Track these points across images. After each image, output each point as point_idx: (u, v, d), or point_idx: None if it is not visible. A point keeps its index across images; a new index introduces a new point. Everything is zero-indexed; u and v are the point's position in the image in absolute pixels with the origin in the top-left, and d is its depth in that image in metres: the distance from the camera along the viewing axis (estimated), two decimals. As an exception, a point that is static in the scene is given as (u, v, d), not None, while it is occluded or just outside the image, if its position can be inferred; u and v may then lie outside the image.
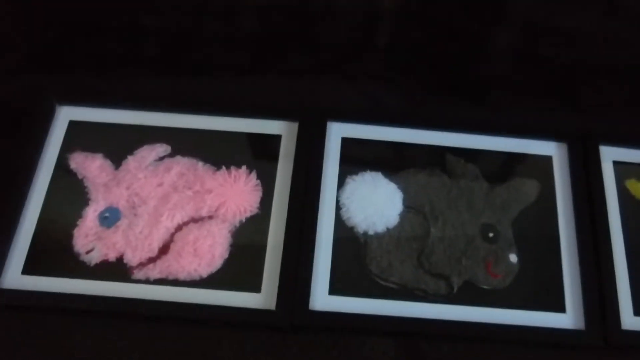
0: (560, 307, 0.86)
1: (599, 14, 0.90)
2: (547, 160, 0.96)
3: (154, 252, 0.88)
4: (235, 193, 0.91)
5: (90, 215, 0.90)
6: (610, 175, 0.94)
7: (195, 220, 0.90)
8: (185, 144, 0.95)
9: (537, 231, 0.91)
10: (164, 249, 0.88)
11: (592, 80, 0.98)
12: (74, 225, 0.89)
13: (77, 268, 0.87)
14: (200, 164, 0.93)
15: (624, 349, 0.85)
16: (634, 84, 0.97)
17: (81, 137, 0.95)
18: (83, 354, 0.82)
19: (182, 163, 0.93)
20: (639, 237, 0.91)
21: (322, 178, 0.91)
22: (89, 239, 0.88)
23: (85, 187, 0.92)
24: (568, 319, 0.86)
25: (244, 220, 0.90)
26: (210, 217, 0.90)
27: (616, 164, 0.95)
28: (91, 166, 0.93)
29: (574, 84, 0.99)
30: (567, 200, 0.93)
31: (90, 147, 0.94)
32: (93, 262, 0.87)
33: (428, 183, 0.93)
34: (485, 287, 0.87)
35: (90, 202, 0.91)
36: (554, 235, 0.90)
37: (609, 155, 0.96)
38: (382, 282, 0.87)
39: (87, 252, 0.88)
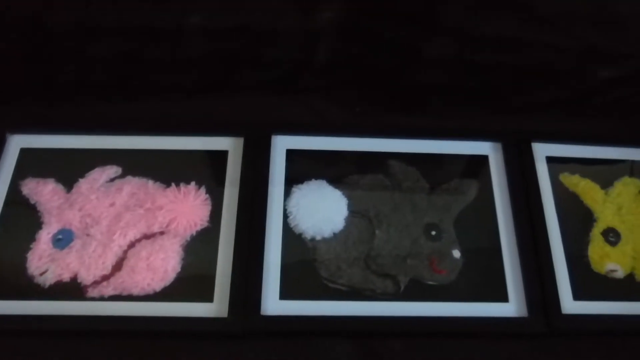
0: (503, 297, 0.90)
1: (520, 21, 0.95)
2: (483, 160, 1.00)
3: (107, 269, 0.90)
4: (185, 208, 0.94)
5: (44, 238, 0.92)
6: (544, 171, 0.99)
7: (147, 236, 0.92)
8: (135, 164, 0.97)
9: (478, 227, 0.95)
10: (118, 266, 0.90)
11: (520, 82, 1.03)
12: (27, 248, 0.91)
13: (31, 290, 0.88)
14: (151, 182, 0.96)
15: (566, 333, 0.88)
16: (558, 83, 1.03)
17: (33, 163, 0.97)
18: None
19: (132, 183, 0.96)
20: (575, 227, 0.95)
21: (269, 188, 0.94)
22: (43, 261, 0.90)
23: (38, 212, 0.94)
24: (511, 307, 0.89)
25: (194, 233, 0.93)
26: (162, 233, 0.93)
27: (549, 159, 1.00)
28: (43, 191, 0.95)
29: (504, 87, 1.04)
30: (504, 196, 0.97)
31: (42, 173, 0.96)
32: (47, 283, 0.89)
33: (372, 188, 0.97)
34: (431, 283, 0.90)
35: (43, 226, 0.93)
36: (494, 230, 0.94)
37: (542, 151, 1.00)
38: (331, 285, 0.89)
39: (41, 274, 0.89)
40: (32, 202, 0.94)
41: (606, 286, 0.92)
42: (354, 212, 0.95)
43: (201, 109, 1.03)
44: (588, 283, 0.91)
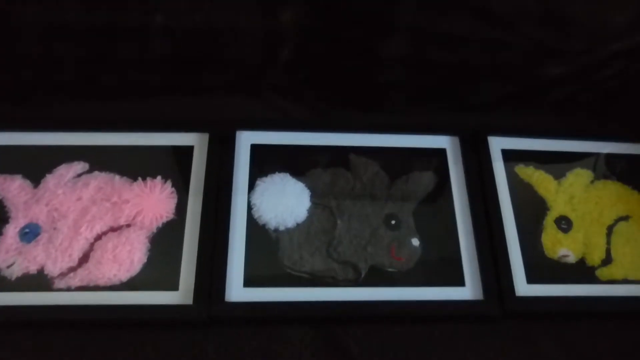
0: (460, 282, 0.93)
1: (473, 19, 0.99)
2: (441, 153, 1.04)
3: (74, 261, 0.91)
4: (151, 201, 0.96)
5: (11, 232, 0.93)
6: (500, 163, 1.03)
7: (114, 229, 0.94)
8: (102, 160, 0.99)
9: (436, 217, 0.99)
10: (84, 258, 0.92)
11: (475, 79, 1.07)
12: (-6, 243, 0.92)
13: (-2, 282, 0.89)
14: (117, 177, 0.98)
15: (521, 315, 0.91)
16: (511, 80, 1.07)
17: (0, 160, 0.99)
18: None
19: (99, 178, 0.98)
20: (529, 215, 0.99)
21: (233, 181, 0.97)
22: (10, 254, 0.91)
23: (5, 207, 0.95)
24: (468, 291, 0.92)
25: (160, 225, 0.95)
26: (128, 226, 0.94)
27: (505, 152, 1.04)
28: (10, 187, 0.96)
29: (460, 84, 1.08)
30: (462, 187, 1.00)
31: (9, 169, 0.98)
32: (14, 276, 0.90)
33: (333, 181, 1.00)
34: (390, 269, 0.93)
35: (10, 220, 0.94)
36: (452, 220, 0.98)
37: (498, 144, 1.04)
38: (294, 273, 0.92)
39: (8, 267, 0.90)
40: (0, 197, 0.96)
41: (558, 271, 0.95)
42: (316, 203, 0.98)
43: (167, 106, 1.06)
44: (541, 268, 0.95)
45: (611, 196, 1.02)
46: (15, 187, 0.96)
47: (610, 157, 1.06)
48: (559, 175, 1.03)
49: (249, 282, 0.90)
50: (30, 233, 0.93)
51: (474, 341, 0.90)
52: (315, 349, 0.88)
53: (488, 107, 1.10)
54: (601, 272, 0.96)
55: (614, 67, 1.05)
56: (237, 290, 0.89)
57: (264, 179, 0.99)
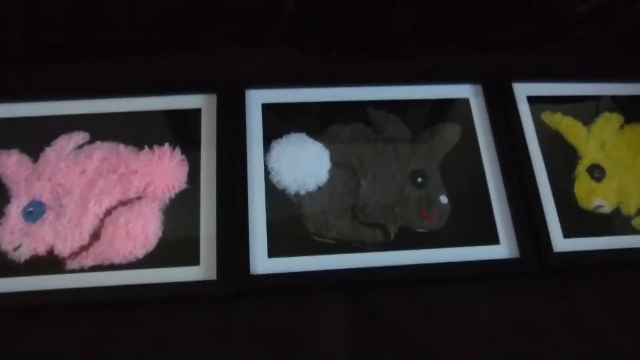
0: (494, 240, 0.89)
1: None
2: (465, 103, 0.98)
3: (85, 240, 0.86)
4: (161, 171, 0.90)
5: (14, 212, 0.87)
6: (526, 110, 0.98)
7: (124, 203, 0.88)
8: (103, 129, 0.93)
9: (463, 171, 0.94)
10: (96, 236, 0.86)
11: (496, 19, 1.00)
12: (-3, 224, 0.86)
13: (6, 266, 0.84)
14: (122, 146, 0.92)
15: (559, 271, 0.88)
16: (538, 19, 1.00)
17: (-7, 134, 0.92)
18: (26, 351, 0.80)
19: (103, 148, 0.92)
20: (560, 165, 0.94)
21: (247, 145, 0.91)
22: (15, 235, 0.86)
23: (5, 185, 0.89)
24: (503, 249, 0.88)
25: (173, 196, 0.89)
26: (139, 198, 0.89)
27: (531, 99, 0.99)
28: (7, 162, 0.90)
29: (480, 25, 1.01)
30: (488, 138, 0.95)
31: (4, 143, 0.91)
32: (23, 259, 0.85)
33: (353, 138, 0.94)
34: (420, 230, 0.89)
35: (12, 199, 0.88)
36: (480, 173, 0.93)
37: (523, 91, 0.99)
38: (319, 239, 0.87)
39: (15, 249, 0.85)
40: (-2, 175, 0.89)
41: (594, 222, 0.92)
42: (337, 163, 0.93)
43: (169, 67, 0.99)
44: (577, 220, 0.91)
45: (644, 140, 0.97)
46: (12, 163, 0.90)
47: (640, 99, 1.01)
48: (588, 121, 0.99)
49: (273, 252, 0.86)
50: (34, 212, 0.87)
51: (513, 299, 0.87)
52: (349, 318, 0.84)
53: (510, 49, 1.04)
54: (638, 222, 0.92)
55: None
56: (262, 262, 0.85)
57: (279, 140, 0.93)
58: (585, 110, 0.99)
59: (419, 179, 0.92)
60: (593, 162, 0.95)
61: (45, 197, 0.88)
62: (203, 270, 0.84)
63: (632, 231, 0.91)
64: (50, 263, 0.84)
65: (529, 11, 1.00)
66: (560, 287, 0.88)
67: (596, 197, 0.92)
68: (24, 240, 0.85)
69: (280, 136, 0.93)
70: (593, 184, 0.93)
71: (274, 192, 0.90)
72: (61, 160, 0.90)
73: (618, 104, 1.00)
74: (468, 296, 0.86)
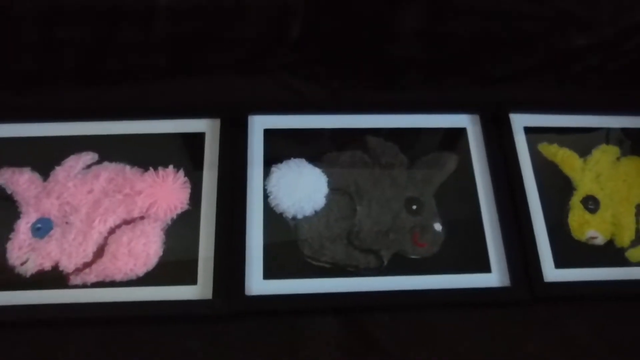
0: (486, 268, 0.90)
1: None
2: (461, 132, 1.00)
3: (89, 257, 0.89)
4: (164, 192, 0.93)
5: (23, 227, 0.91)
6: (523, 141, 0.99)
7: (127, 222, 0.92)
8: (111, 150, 0.96)
9: (458, 200, 0.95)
10: (99, 253, 0.89)
11: (495, 52, 1.02)
12: (6, 239, 0.90)
13: (13, 280, 0.87)
14: (128, 167, 0.95)
15: (549, 301, 0.89)
16: (534, 52, 1.02)
17: (7, 153, 0.96)
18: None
19: (110, 168, 0.95)
20: (555, 196, 0.96)
21: (248, 169, 0.94)
22: (23, 250, 0.89)
23: (15, 202, 0.92)
24: (494, 277, 0.90)
25: (175, 217, 0.92)
26: (142, 218, 0.92)
27: (527, 129, 1.00)
28: (19, 180, 0.93)
29: (479, 58, 1.03)
30: (484, 168, 0.97)
31: (18, 162, 0.95)
32: (29, 273, 0.88)
33: (351, 164, 0.97)
34: (413, 256, 0.91)
35: (21, 215, 0.92)
36: (475, 202, 0.95)
37: (520, 122, 1.01)
38: (314, 263, 0.89)
39: (22, 264, 0.88)
40: (9, 192, 0.93)
41: (587, 253, 0.93)
42: (334, 189, 0.95)
43: (175, 91, 1.02)
44: (569, 251, 0.92)
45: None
46: (24, 181, 0.94)
47: (637, 132, 1.02)
48: (584, 153, 1.00)
49: (269, 274, 0.88)
50: (42, 228, 0.91)
51: (503, 328, 0.87)
52: (341, 340, 0.85)
53: (508, 81, 1.05)
54: (631, 254, 0.93)
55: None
56: (257, 283, 0.87)
57: (279, 165, 0.96)
58: (582, 141, 1.01)
59: (414, 206, 0.94)
60: (588, 194, 0.96)
61: (53, 215, 0.92)
62: (200, 289, 0.87)
63: (625, 263, 0.92)
64: (54, 278, 0.88)
65: (529, 46, 1.01)
66: (551, 317, 0.88)
67: (590, 229, 0.93)
68: (30, 255, 0.89)
69: (280, 161, 0.96)
70: (587, 215, 0.94)
71: (271, 216, 0.92)
72: (70, 180, 0.94)
73: (615, 136, 1.01)
74: (459, 323, 0.88)
